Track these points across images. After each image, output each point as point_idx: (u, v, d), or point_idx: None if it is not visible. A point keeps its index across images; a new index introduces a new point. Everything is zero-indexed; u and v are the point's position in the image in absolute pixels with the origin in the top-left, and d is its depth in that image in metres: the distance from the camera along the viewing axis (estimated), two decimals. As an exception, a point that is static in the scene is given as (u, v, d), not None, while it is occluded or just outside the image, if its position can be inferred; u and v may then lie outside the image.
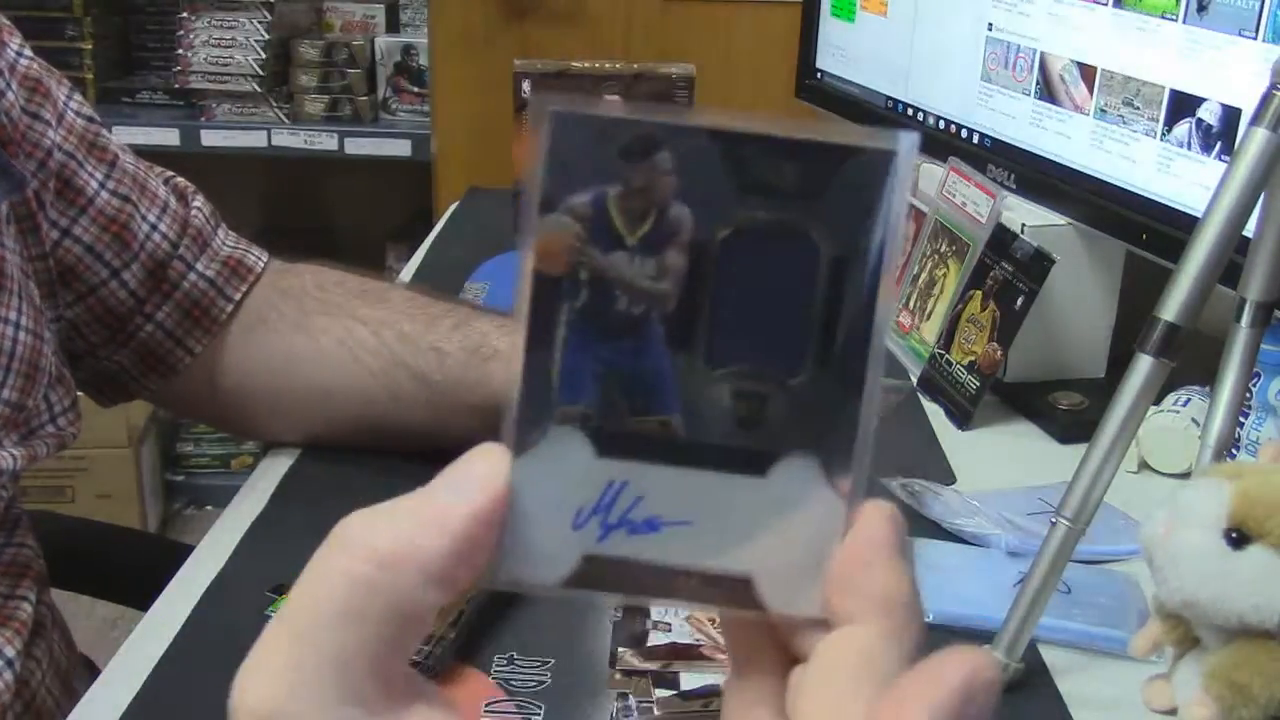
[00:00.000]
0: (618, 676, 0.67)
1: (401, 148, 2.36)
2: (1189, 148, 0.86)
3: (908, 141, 0.29)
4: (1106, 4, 0.93)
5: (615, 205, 0.30)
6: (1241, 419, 0.82)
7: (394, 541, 0.28)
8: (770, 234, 0.30)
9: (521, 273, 0.30)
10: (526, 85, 1.30)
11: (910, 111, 1.21)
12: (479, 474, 0.29)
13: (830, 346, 0.30)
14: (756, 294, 0.30)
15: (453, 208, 1.57)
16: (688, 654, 0.69)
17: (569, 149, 0.29)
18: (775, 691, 0.30)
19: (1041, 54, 1.01)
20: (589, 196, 0.30)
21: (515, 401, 0.30)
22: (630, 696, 0.66)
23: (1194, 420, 0.89)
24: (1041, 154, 1.02)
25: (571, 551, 0.30)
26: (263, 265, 0.89)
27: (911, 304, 1.10)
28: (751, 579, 0.30)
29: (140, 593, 0.78)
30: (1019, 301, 0.95)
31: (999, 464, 0.93)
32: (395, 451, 0.82)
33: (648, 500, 0.30)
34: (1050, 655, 0.70)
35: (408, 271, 1.33)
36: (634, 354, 0.30)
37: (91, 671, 0.90)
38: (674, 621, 0.71)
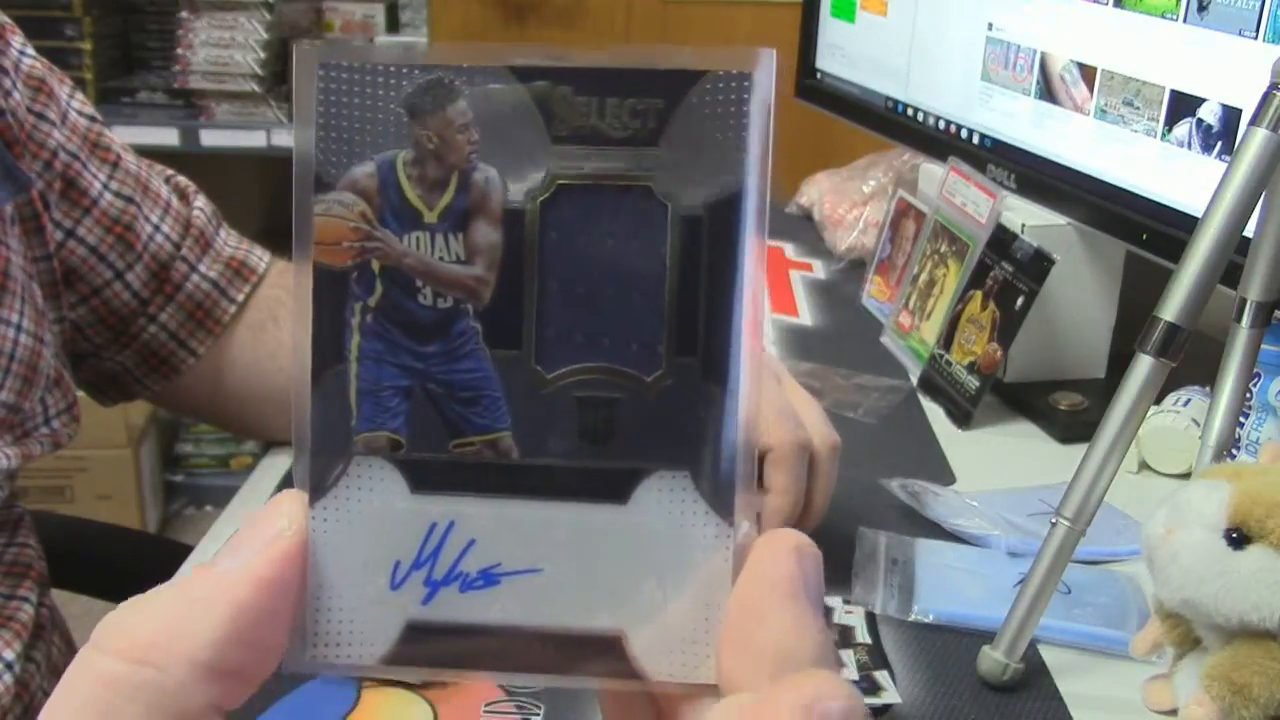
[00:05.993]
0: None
1: (401, 147, 2.36)
2: (1189, 148, 0.86)
3: (766, 58, 0.23)
4: (1106, 4, 0.93)
5: (406, 173, 0.24)
6: (1241, 419, 0.82)
7: (154, 629, 0.23)
8: (602, 192, 0.23)
9: (299, 268, 0.25)
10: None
11: (910, 111, 1.21)
12: (266, 530, 0.24)
13: (692, 329, 0.23)
14: (592, 270, 0.24)
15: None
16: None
17: (344, 109, 0.24)
18: None
19: (1041, 54, 1.01)
20: (373, 166, 0.24)
21: (305, 432, 0.24)
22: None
23: (1194, 420, 0.89)
24: (1041, 154, 1.02)
25: (391, 619, 0.24)
26: (265, 265, 0.90)
27: (911, 304, 1.10)
28: (623, 638, 0.24)
29: (140, 593, 0.78)
30: (1019, 301, 0.95)
31: (999, 464, 0.93)
32: None
33: (481, 544, 0.24)
34: (1050, 655, 0.70)
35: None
36: (447, 359, 0.24)
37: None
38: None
